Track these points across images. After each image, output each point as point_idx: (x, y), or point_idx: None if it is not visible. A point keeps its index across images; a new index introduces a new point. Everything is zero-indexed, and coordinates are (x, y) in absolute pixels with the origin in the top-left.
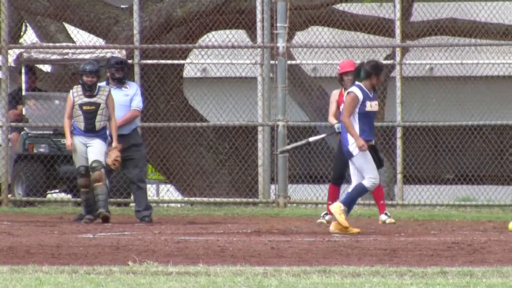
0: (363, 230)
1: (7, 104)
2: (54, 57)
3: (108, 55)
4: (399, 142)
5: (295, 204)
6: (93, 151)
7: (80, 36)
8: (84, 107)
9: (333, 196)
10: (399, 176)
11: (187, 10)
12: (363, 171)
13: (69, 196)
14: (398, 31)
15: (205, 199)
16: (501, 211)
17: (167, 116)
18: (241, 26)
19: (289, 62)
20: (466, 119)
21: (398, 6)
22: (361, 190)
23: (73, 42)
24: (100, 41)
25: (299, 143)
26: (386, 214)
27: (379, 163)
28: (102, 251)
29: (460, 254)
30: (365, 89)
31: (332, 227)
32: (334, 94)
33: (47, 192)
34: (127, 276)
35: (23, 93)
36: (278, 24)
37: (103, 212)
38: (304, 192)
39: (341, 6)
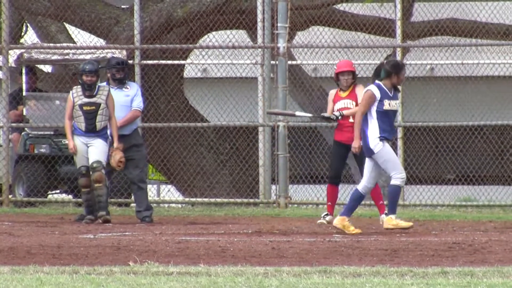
0: (364, 230)
1: (7, 104)
2: (54, 57)
3: (109, 55)
4: (400, 142)
5: (296, 205)
6: (94, 151)
7: (81, 36)
8: (84, 108)
9: (332, 196)
10: None
11: (188, 10)
12: (387, 169)
13: (70, 196)
14: (398, 31)
15: (206, 199)
16: (502, 211)
17: (167, 117)
18: (242, 26)
19: (289, 62)
20: (466, 119)
21: (398, 6)
22: (394, 191)
23: (74, 42)
24: (100, 42)
25: (286, 112)
26: (386, 214)
27: None
28: (103, 252)
29: (461, 254)
30: (384, 88)
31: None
32: (331, 94)
33: (48, 193)
34: (128, 276)
35: (24, 93)
36: (278, 24)
37: (104, 216)
38: (305, 192)
39: (341, 6)
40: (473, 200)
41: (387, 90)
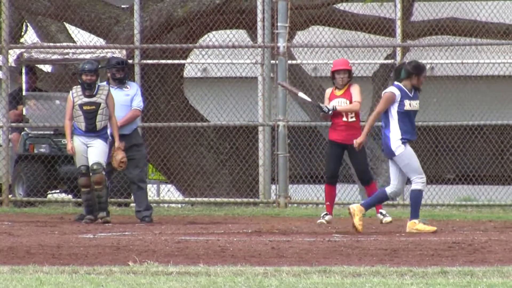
0: (364, 230)
1: (7, 104)
2: (54, 57)
3: (109, 55)
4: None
5: (295, 204)
6: (94, 152)
7: (81, 36)
8: (84, 107)
9: (330, 196)
10: None
11: (188, 10)
12: (408, 172)
13: (70, 196)
14: (398, 31)
15: (205, 199)
16: (502, 211)
17: (167, 116)
18: (242, 26)
19: (289, 62)
20: (466, 119)
21: (398, 6)
22: (416, 195)
23: (74, 42)
24: (100, 41)
25: (292, 88)
26: (381, 213)
27: None
28: (103, 251)
29: (460, 254)
30: (404, 88)
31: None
32: (327, 93)
33: (48, 192)
34: (127, 276)
35: (24, 93)
36: (278, 24)
37: (105, 217)
38: (305, 192)
39: (341, 6)
40: (473, 200)
41: (407, 91)
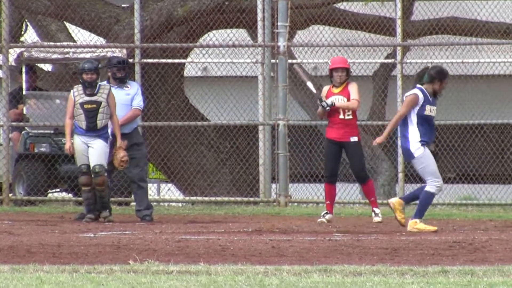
0: (364, 229)
1: (7, 103)
2: (54, 56)
3: (109, 54)
4: (400, 141)
5: (296, 203)
6: (95, 153)
7: (81, 35)
8: (85, 106)
9: (330, 195)
10: (400, 175)
11: (188, 9)
12: (424, 174)
13: (70, 195)
14: (399, 30)
15: (206, 198)
16: (502, 210)
17: (168, 115)
18: (242, 25)
19: (290, 61)
20: (467, 118)
21: (399, 5)
22: (427, 197)
23: (74, 41)
24: (101, 40)
25: (302, 75)
26: (373, 212)
27: None
28: (103, 250)
29: (461, 253)
30: (426, 92)
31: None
32: (324, 91)
33: (48, 191)
34: (128, 275)
35: (24, 92)
36: (279, 23)
37: (108, 217)
38: (305, 191)
39: (342, 5)
40: (473, 199)
41: (428, 95)
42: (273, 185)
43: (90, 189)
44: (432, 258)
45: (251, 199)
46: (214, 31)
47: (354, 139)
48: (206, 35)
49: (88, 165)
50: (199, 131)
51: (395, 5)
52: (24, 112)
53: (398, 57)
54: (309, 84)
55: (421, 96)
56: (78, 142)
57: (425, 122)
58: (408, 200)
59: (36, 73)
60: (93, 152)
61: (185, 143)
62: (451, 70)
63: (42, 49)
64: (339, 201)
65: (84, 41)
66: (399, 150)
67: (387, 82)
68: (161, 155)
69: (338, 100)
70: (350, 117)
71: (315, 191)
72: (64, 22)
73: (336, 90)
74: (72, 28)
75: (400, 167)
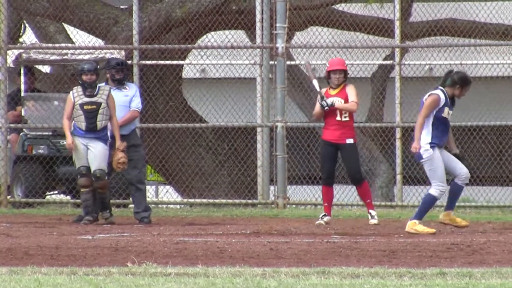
0: (362, 231)
1: (6, 105)
2: (53, 57)
3: (108, 55)
4: (398, 143)
5: (294, 205)
6: (95, 158)
7: (80, 36)
8: (85, 107)
9: (327, 197)
10: (398, 177)
11: (186, 11)
12: (430, 177)
13: (68, 197)
14: (397, 32)
15: (204, 200)
16: (500, 212)
17: (166, 117)
18: (241, 26)
19: (288, 62)
20: (465, 119)
21: (397, 6)
22: (429, 200)
23: (73, 42)
24: (99, 42)
25: (309, 71)
26: (369, 214)
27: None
28: (101, 252)
29: (459, 255)
30: (447, 95)
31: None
32: (321, 93)
33: (46, 194)
34: (126, 277)
35: (22, 94)
36: (277, 25)
37: (109, 218)
38: (303, 193)
39: (340, 7)
40: (471, 201)
41: (448, 99)
42: (271, 187)
43: (89, 191)
44: (430, 260)
45: (249, 201)
46: (212, 33)
47: (350, 141)
48: (205, 36)
49: (87, 167)
50: (197, 133)
51: (393, 6)
52: (22, 113)
53: (397, 59)
54: (315, 82)
55: (442, 97)
56: (77, 143)
57: (440, 124)
58: (451, 206)
59: (35, 75)
60: (93, 156)
61: (183, 145)
62: None
63: (40, 50)
64: (337, 203)
65: (83, 42)
66: (397, 152)
67: (385, 84)
68: (159, 157)
69: (337, 102)
70: (347, 119)
71: (313, 193)
72: (63, 23)
73: (333, 92)
74: (70, 30)
75: (398, 169)
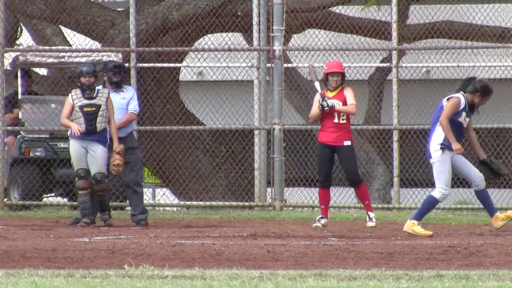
0: (359, 233)
1: (3, 108)
2: (50, 60)
3: (105, 58)
4: (395, 145)
5: (291, 208)
6: (95, 162)
7: (76, 39)
8: (85, 109)
9: (324, 199)
10: (395, 180)
11: (183, 13)
12: (436, 178)
13: (65, 200)
14: (394, 34)
15: (201, 202)
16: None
17: (163, 120)
18: (238, 29)
19: (285, 65)
20: None
21: (394, 9)
22: (430, 202)
23: (69, 45)
24: (96, 44)
25: (313, 74)
26: (368, 216)
27: (497, 174)
28: (98, 255)
29: (456, 257)
30: (466, 100)
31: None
32: (318, 94)
33: (43, 196)
34: (123, 279)
35: (19, 96)
36: (274, 27)
37: (108, 220)
38: (300, 195)
39: (337, 9)
40: (468, 203)
41: (468, 104)
42: (268, 190)
43: (86, 193)
44: (427, 263)
45: (246, 203)
46: (209, 35)
47: (347, 143)
48: (202, 39)
49: (86, 169)
50: (195, 136)
51: (390, 9)
52: (20, 116)
53: (394, 61)
54: (317, 84)
55: (463, 101)
56: (76, 147)
57: (455, 128)
58: (492, 211)
59: (32, 77)
60: (93, 159)
61: (181, 147)
62: (447, 74)
63: (37, 53)
64: (334, 206)
65: (80, 45)
66: (395, 154)
67: (382, 86)
68: (156, 160)
69: (336, 104)
70: (344, 121)
71: (310, 195)
72: (60, 26)
73: (330, 94)
74: (67, 32)
75: (396, 172)
